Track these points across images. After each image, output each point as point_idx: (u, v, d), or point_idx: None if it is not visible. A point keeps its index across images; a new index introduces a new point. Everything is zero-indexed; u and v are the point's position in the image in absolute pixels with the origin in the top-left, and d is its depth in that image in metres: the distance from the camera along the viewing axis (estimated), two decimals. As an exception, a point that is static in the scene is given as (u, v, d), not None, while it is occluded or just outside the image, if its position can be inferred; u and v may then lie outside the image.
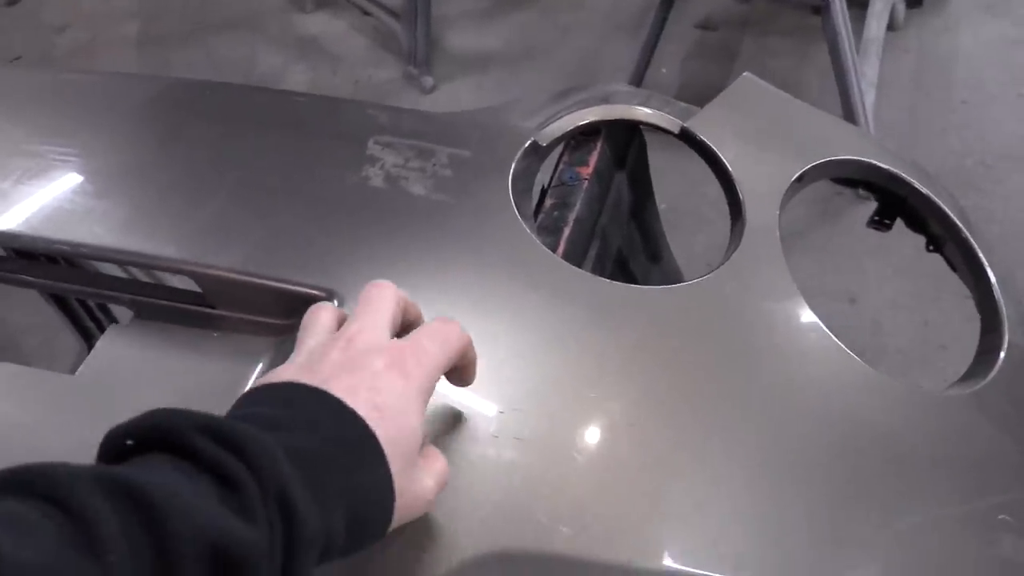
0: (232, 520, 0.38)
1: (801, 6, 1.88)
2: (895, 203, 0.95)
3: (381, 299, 0.54)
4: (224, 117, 0.89)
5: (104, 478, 0.36)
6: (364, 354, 0.49)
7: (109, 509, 0.35)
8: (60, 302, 1.34)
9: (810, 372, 0.69)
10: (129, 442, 0.41)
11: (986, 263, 0.84)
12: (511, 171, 0.78)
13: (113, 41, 3.12)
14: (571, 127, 0.84)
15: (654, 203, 1.03)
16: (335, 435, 0.45)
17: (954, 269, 0.89)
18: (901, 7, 2.48)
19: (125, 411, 0.70)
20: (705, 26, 2.62)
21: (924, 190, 0.90)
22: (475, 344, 0.57)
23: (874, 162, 0.89)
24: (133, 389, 0.73)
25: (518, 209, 0.75)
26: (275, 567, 0.39)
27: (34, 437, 0.71)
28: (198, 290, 0.74)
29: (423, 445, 0.52)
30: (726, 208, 0.84)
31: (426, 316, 0.60)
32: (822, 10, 1.83)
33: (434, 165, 0.78)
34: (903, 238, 0.98)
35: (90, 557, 0.33)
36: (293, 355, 0.53)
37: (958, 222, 0.87)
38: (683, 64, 2.54)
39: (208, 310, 0.73)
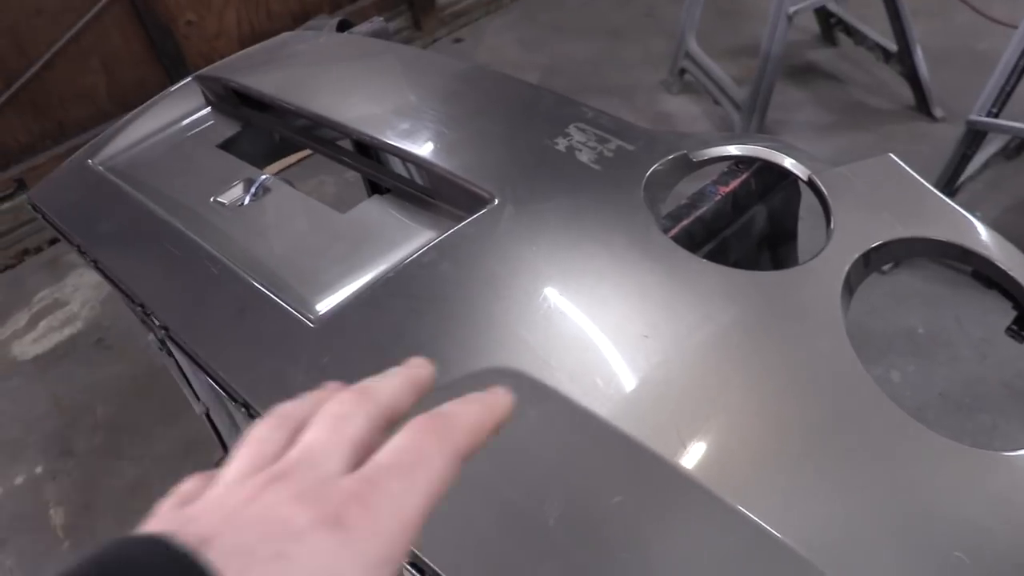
0: None
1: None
2: (1026, 312, 1.04)
3: (347, 411, 0.37)
4: (497, 93, 1.28)
5: None
6: (286, 500, 0.33)
7: None
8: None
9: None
10: None
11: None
12: (654, 165, 1.06)
13: (516, 83, 3.83)
14: (719, 153, 1.10)
15: (794, 246, 1.22)
16: None
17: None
18: None
19: (367, 241, 1.10)
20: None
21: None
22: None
23: (982, 253, 1.01)
24: (376, 231, 1.12)
25: (644, 192, 1.03)
26: None
27: (307, 251, 1.14)
28: (426, 184, 1.12)
29: None
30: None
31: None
32: None
33: (604, 148, 1.09)
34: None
35: None
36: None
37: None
38: (1003, 214, 2.50)
39: (428, 198, 1.12)
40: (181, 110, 1.48)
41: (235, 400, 0.97)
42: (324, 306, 0.98)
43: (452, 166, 1.07)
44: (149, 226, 1.18)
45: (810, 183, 1.07)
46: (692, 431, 0.81)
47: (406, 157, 1.12)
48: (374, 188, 1.57)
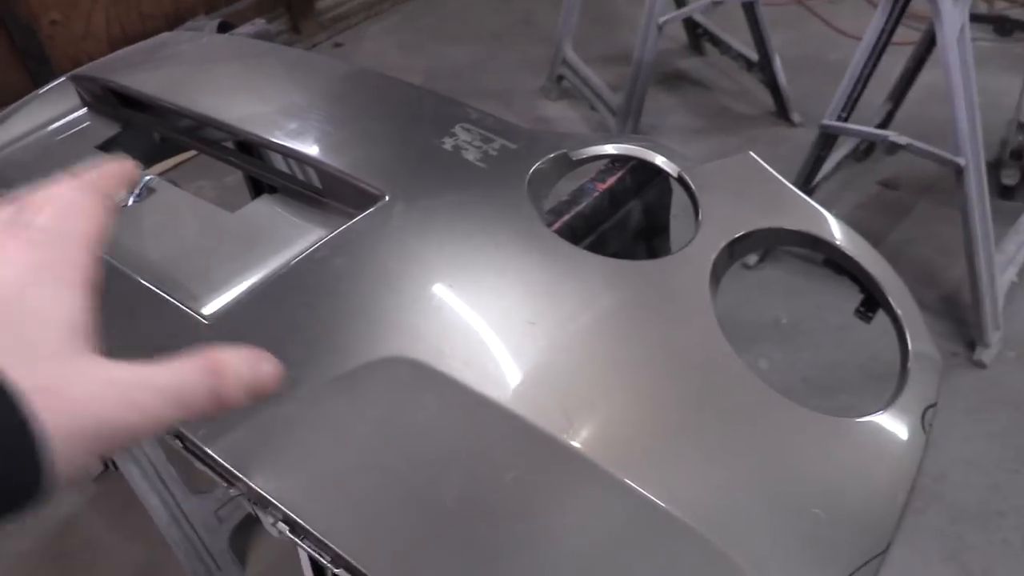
0: None
1: (943, 164, 2.01)
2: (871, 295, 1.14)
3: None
4: (384, 94, 1.31)
5: None
6: None
7: None
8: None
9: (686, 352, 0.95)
10: None
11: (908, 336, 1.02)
12: (536, 163, 1.12)
13: (398, 88, 3.85)
14: (596, 152, 1.17)
15: (667, 237, 1.31)
16: None
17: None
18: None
19: (259, 239, 1.11)
20: (887, 184, 2.79)
21: (881, 284, 1.10)
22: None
23: (831, 241, 1.12)
24: (267, 229, 1.14)
25: (528, 188, 1.09)
26: None
27: (196, 250, 1.14)
28: (316, 183, 1.14)
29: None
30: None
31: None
32: (959, 173, 1.98)
33: (489, 147, 1.14)
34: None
35: None
36: None
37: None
38: (853, 211, 2.72)
39: (318, 196, 1.14)
40: (54, 111, 1.44)
41: (127, 400, 0.96)
42: (218, 304, 0.99)
43: (342, 164, 1.10)
44: (27, 228, 1.15)
45: (679, 179, 1.15)
46: (578, 410, 0.87)
47: (296, 156, 1.13)
48: (258, 190, 1.57)
